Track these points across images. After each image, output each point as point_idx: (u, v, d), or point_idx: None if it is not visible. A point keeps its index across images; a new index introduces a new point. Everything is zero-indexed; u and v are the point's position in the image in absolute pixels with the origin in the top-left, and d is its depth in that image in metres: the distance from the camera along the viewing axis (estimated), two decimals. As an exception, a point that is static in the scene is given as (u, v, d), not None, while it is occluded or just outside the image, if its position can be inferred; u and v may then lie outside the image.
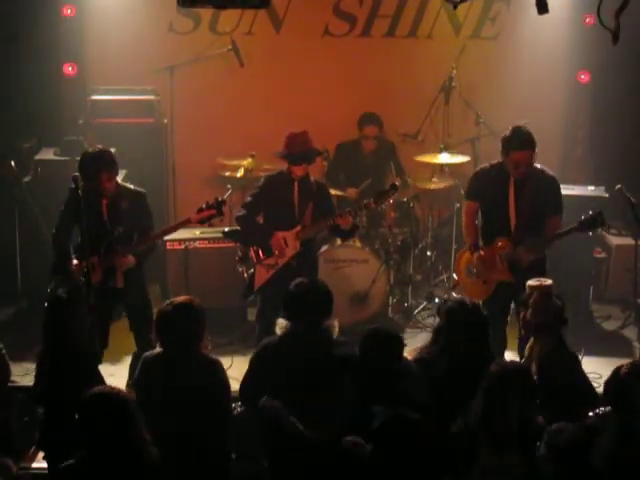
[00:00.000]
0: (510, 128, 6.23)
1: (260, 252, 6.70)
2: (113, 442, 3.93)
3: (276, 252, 6.63)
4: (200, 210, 6.23)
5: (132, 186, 6.47)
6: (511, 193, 6.26)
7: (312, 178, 6.79)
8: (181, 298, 4.99)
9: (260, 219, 6.83)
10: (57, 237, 6.31)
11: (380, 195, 6.68)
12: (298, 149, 6.59)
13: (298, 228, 6.64)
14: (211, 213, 6.22)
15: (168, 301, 5.02)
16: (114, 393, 4.09)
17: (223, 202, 6.25)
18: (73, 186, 5.72)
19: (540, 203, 6.24)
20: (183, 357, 4.82)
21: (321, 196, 6.78)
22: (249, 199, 6.79)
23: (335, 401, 4.70)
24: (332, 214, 6.69)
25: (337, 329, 5.09)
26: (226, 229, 7.09)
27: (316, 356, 4.91)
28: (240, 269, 7.14)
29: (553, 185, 6.34)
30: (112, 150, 6.36)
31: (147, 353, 5.13)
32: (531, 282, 5.43)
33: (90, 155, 6.23)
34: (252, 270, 6.79)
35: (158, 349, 5.02)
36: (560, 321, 5.25)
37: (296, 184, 6.67)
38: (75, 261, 6.18)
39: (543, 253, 6.31)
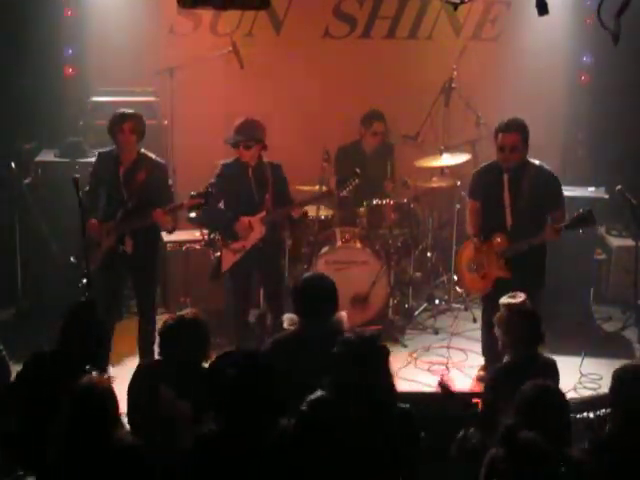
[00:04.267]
0: None
1: (227, 237, 6.81)
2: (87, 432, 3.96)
3: (243, 236, 6.74)
4: (192, 197, 6.42)
5: (154, 156, 6.60)
6: (505, 189, 6.34)
7: (266, 160, 6.87)
8: (189, 313, 4.94)
9: (221, 206, 6.93)
10: (87, 200, 6.41)
11: (341, 182, 7.02)
12: (237, 133, 6.74)
13: (263, 213, 6.78)
14: (199, 201, 6.42)
15: (175, 315, 4.99)
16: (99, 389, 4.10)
17: (210, 193, 6.42)
18: (75, 177, 5.90)
19: (537, 199, 6.29)
20: (182, 371, 4.77)
21: (277, 178, 6.89)
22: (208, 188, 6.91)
23: None
24: (286, 192, 6.93)
25: (346, 319, 5.10)
26: (191, 215, 7.16)
27: (328, 349, 4.89)
28: (211, 251, 7.21)
29: (551, 180, 6.41)
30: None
31: (141, 363, 5.13)
32: (503, 300, 5.24)
33: (117, 112, 6.54)
34: (218, 253, 6.89)
35: (155, 358, 5.01)
36: (535, 337, 5.14)
37: (250, 170, 6.81)
38: (93, 220, 6.40)
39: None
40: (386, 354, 4.27)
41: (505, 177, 6.33)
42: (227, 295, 7.37)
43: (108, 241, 6.42)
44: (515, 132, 6.24)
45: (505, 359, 5.17)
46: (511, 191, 6.32)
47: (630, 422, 4.11)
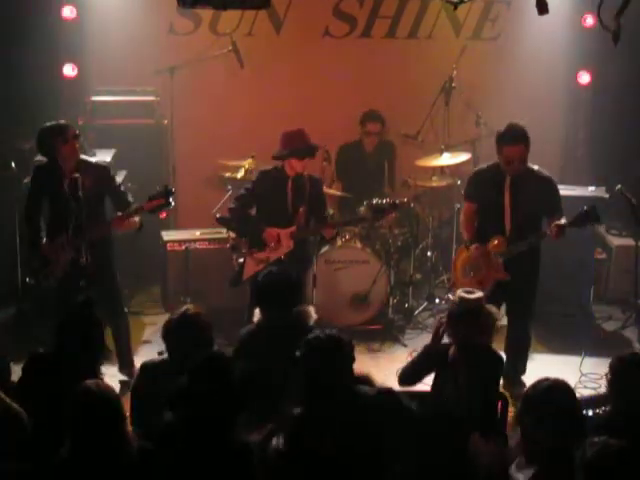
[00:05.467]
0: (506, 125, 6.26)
1: (254, 245, 6.77)
2: (97, 440, 3.91)
3: (270, 246, 6.70)
4: (150, 198, 6.09)
5: (93, 160, 6.43)
6: (507, 194, 6.27)
7: (305, 173, 6.83)
8: (190, 309, 4.95)
9: (253, 212, 6.91)
10: (29, 214, 6.33)
11: (378, 212, 6.91)
12: (302, 144, 6.66)
13: (293, 229, 6.73)
14: (160, 202, 6.06)
15: (177, 311, 4.97)
16: (103, 391, 4.07)
17: (171, 191, 6.07)
18: (75, 176, 5.81)
19: (536, 204, 6.24)
20: (185, 369, 4.78)
21: (314, 192, 6.85)
22: (242, 192, 6.89)
23: None
24: (323, 210, 6.86)
25: (314, 315, 5.17)
26: (218, 215, 7.09)
27: (289, 340, 4.89)
28: (234, 256, 7.16)
29: (550, 186, 6.34)
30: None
31: (147, 360, 5.13)
32: (464, 294, 5.10)
33: (50, 125, 6.22)
34: (242, 260, 6.85)
35: (159, 357, 5.02)
36: (483, 337, 5.02)
37: (290, 182, 6.74)
38: (44, 240, 6.23)
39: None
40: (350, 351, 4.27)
41: (507, 181, 6.26)
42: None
43: (64, 257, 6.13)
44: (522, 144, 6.14)
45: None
46: (512, 196, 6.26)
47: (630, 413, 4.09)
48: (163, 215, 6.60)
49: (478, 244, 6.42)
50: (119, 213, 6.24)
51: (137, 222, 6.33)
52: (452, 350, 5.08)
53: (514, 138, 6.14)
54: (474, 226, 6.52)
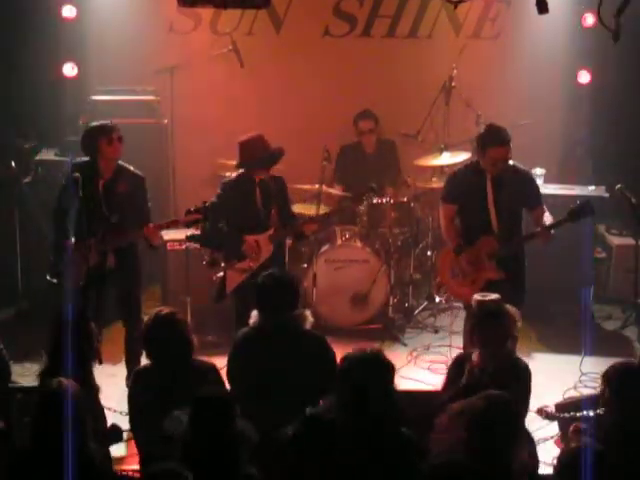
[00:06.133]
0: (485, 126, 6.27)
1: (232, 257, 6.64)
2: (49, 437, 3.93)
3: (251, 256, 6.58)
4: (188, 212, 6.17)
5: (132, 167, 6.43)
6: (489, 191, 6.27)
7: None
8: (164, 310, 4.97)
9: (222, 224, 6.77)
10: (61, 213, 6.26)
11: (357, 198, 7.01)
12: (264, 152, 6.56)
13: (270, 231, 6.61)
14: (197, 217, 6.15)
15: (151, 314, 5.00)
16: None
17: (208, 208, 6.16)
18: (76, 176, 5.84)
19: (518, 198, 6.27)
20: (174, 369, 4.79)
21: (280, 192, 6.74)
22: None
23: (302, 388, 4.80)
24: (287, 209, 6.77)
25: (310, 319, 5.17)
26: (189, 234, 6.87)
27: (283, 344, 5.03)
28: (212, 272, 7.02)
29: (528, 178, 6.41)
30: None
31: (139, 367, 5.13)
32: (481, 298, 5.15)
33: (96, 125, 6.37)
34: (221, 273, 6.73)
35: (150, 363, 5.01)
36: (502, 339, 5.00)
37: (258, 187, 6.61)
38: (73, 239, 6.13)
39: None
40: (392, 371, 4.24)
41: (488, 180, 6.25)
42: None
43: (91, 260, 6.12)
44: (508, 145, 6.16)
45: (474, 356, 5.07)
46: (495, 194, 6.26)
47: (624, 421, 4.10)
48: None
49: (466, 246, 6.38)
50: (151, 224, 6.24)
51: (161, 240, 6.33)
52: (476, 355, 5.03)
53: (501, 140, 6.16)
54: (457, 229, 6.48)
